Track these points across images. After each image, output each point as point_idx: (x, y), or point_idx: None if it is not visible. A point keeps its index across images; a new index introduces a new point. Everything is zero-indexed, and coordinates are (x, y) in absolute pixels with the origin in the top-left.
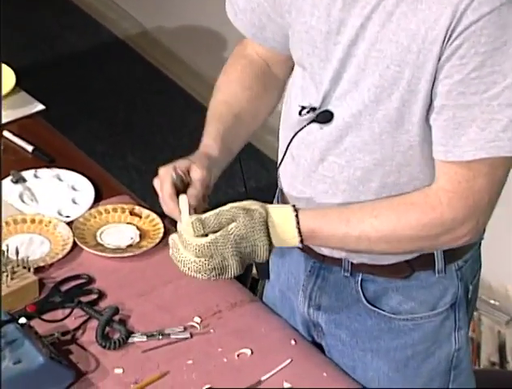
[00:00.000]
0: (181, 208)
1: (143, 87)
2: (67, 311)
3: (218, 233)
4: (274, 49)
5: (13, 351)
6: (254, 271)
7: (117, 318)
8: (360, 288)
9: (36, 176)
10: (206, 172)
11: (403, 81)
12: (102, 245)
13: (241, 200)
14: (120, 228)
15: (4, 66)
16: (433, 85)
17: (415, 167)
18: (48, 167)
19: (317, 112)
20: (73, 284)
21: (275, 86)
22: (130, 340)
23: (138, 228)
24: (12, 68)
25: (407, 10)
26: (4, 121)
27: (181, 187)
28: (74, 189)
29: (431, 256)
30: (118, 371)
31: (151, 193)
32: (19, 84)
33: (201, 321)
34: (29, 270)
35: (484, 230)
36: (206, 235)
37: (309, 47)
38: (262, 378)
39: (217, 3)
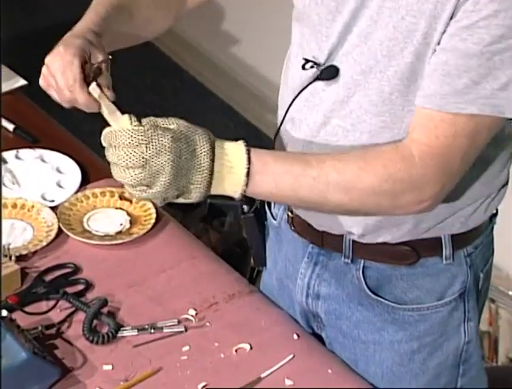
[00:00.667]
0: (99, 100)
1: (132, 60)
2: (52, 303)
3: (158, 121)
4: None
5: None
6: (253, 262)
7: (105, 310)
8: (361, 275)
9: (17, 157)
10: (106, 54)
11: (417, 33)
12: (89, 231)
13: None
14: (109, 214)
15: None
16: None
17: None
18: (30, 147)
19: (322, 68)
20: (58, 273)
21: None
22: (120, 334)
23: (128, 213)
24: None
25: None
26: None
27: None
28: (59, 171)
29: (438, 241)
30: (107, 367)
31: None
32: None
33: (196, 313)
34: (10, 258)
35: (497, 214)
36: None
37: None
38: (262, 375)
39: None
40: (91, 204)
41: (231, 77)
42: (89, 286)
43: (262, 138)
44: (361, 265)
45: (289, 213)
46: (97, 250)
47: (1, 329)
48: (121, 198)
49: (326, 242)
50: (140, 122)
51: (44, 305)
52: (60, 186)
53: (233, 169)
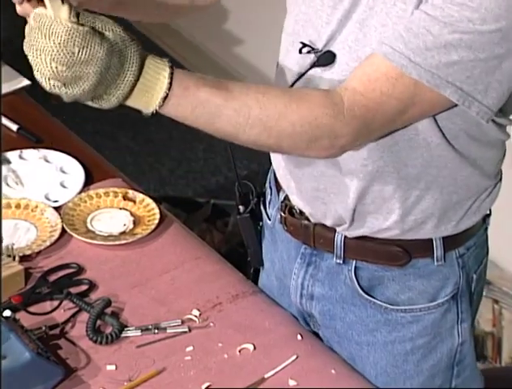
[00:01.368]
0: None
1: None
2: (55, 303)
3: (96, 22)
4: None
5: None
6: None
7: (109, 310)
8: (354, 275)
9: (21, 157)
10: None
11: (404, 20)
12: (93, 232)
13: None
14: (112, 214)
15: None
16: None
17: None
18: (34, 147)
19: (319, 54)
20: (61, 273)
21: None
22: (124, 335)
23: (131, 213)
24: None
25: None
26: None
27: None
28: (62, 171)
29: (429, 242)
30: (111, 368)
31: (145, 176)
32: (2, 57)
33: (200, 314)
34: (14, 259)
35: (490, 214)
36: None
37: None
38: (266, 376)
39: None
40: (94, 204)
41: (234, 77)
42: (93, 286)
43: None
44: (353, 265)
45: (282, 213)
46: (101, 251)
47: (3, 329)
48: (125, 198)
49: (318, 242)
50: (78, 18)
51: (47, 306)
52: (63, 187)
53: (152, 89)
